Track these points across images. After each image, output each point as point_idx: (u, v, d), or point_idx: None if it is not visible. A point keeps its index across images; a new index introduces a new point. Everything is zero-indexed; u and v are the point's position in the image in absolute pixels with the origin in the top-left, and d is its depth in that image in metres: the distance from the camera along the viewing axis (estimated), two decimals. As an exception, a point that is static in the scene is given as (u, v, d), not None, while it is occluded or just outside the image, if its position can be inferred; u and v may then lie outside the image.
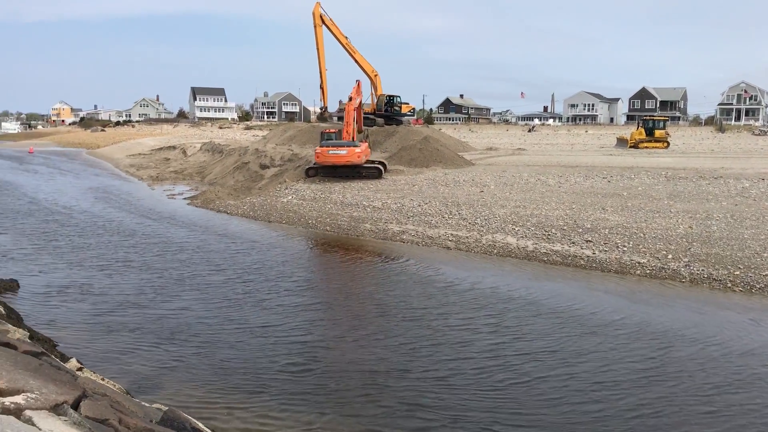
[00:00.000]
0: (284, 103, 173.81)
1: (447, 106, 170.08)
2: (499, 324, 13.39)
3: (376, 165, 34.09)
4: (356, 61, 45.40)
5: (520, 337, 12.58)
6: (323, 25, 40.18)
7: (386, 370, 10.89)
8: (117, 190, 37.62)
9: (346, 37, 44.55)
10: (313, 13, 39.16)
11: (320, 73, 40.10)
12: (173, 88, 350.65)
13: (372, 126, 49.09)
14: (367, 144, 35.15)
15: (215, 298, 15.21)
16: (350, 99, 36.81)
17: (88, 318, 13.55)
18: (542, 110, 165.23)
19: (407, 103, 53.97)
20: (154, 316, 13.77)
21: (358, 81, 38.71)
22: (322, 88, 38.88)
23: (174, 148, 64.16)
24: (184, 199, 33.83)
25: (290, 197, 30.05)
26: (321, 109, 38.39)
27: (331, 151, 32.45)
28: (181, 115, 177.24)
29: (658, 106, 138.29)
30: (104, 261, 18.84)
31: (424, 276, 17.47)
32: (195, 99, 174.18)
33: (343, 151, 32.50)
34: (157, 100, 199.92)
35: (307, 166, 34.51)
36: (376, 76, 48.87)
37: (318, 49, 38.96)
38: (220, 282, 16.59)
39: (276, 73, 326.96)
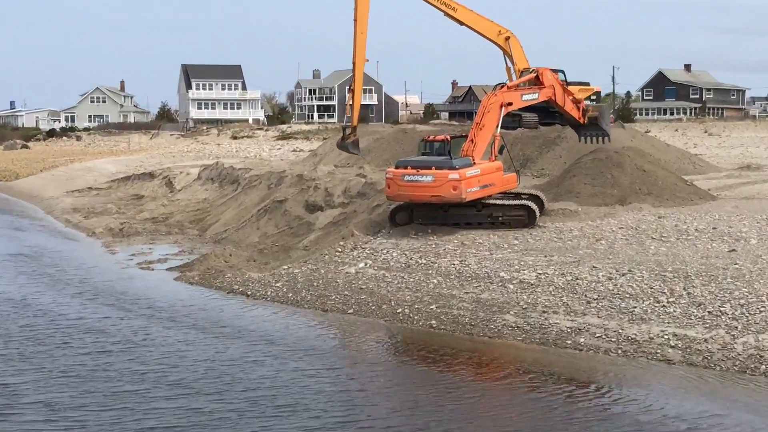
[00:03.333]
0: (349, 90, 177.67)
1: (659, 86, 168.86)
2: None
3: (522, 202, 33.88)
4: (461, 22, 45.99)
5: None
6: None
7: None
8: (51, 257, 39.04)
9: None
10: None
11: (353, 61, 40.36)
12: (150, 68, 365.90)
13: (514, 129, 48.86)
14: (497, 163, 34.97)
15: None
16: (501, 86, 37.00)
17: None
18: None
19: (584, 84, 53.45)
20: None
21: (537, 71, 38.83)
22: (352, 90, 38.98)
23: (151, 176, 66.15)
24: (170, 270, 34.61)
25: (362, 264, 30.24)
26: (345, 127, 38.47)
27: (408, 177, 32.54)
28: (165, 117, 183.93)
29: None
30: (31, 398, 19.39)
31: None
32: (189, 87, 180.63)
33: (426, 177, 32.57)
34: (122, 89, 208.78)
35: (395, 206, 34.65)
36: (507, 39, 48.91)
37: (356, 17, 39.49)
38: None
39: (332, 37, 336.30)
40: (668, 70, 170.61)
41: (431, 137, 35.93)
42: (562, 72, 53.16)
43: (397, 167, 33.16)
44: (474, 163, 33.25)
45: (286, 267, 31.69)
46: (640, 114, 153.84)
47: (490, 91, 37.32)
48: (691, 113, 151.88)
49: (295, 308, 27.27)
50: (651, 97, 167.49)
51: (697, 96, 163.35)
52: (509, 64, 50.77)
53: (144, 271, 34.97)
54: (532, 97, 38.22)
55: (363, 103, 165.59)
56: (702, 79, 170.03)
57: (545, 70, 40.07)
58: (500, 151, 36.01)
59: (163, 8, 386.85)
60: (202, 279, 31.97)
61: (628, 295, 24.03)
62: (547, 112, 52.93)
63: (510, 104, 36.60)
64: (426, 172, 32.30)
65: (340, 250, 32.36)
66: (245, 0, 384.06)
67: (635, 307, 23.20)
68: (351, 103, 38.48)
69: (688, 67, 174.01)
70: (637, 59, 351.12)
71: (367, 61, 39.81)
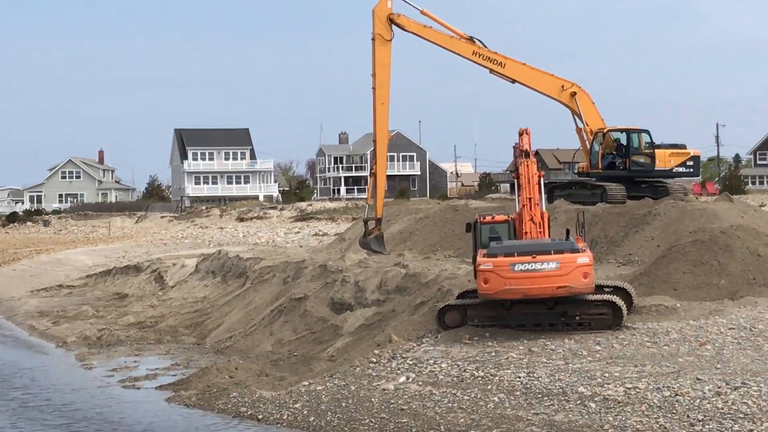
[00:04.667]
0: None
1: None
2: None
3: (605, 298, 33.80)
4: (512, 80, 47.65)
5: None
6: (392, 32, 43.61)
7: None
8: (15, 376, 39.26)
9: (473, 39, 47.72)
10: (374, 13, 43.01)
11: (374, 138, 42.34)
12: (136, 134, 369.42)
13: (593, 204, 48.98)
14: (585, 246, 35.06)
15: None
16: (523, 153, 37.25)
17: None
18: None
19: (679, 146, 53.77)
20: None
21: (525, 131, 39.10)
22: (373, 173, 40.69)
23: (137, 269, 66.48)
24: (160, 389, 34.66)
25: (402, 378, 30.20)
26: (366, 220, 40.23)
27: (520, 266, 32.45)
28: (154, 195, 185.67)
29: None
30: None
31: None
32: (184, 156, 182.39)
33: (549, 264, 32.67)
34: (101, 161, 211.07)
35: (443, 304, 34.67)
36: (574, 95, 50.02)
37: (375, 84, 41.41)
38: None
39: (362, 93, 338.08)
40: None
41: (486, 218, 35.80)
42: (647, 132, 53.63)
43: (493, 255, 32.76)
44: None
45: (306, 383, 31.62)
46: (753, 183, 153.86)
47: (520, 159, 37.13)
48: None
49: (318, 436, 27.19)
50: (766, 162, 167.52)
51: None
52: (579, 125, 51.45)
53: (128, 391, 35.02)
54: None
55: (404, 173, 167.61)
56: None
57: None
58: (581, 232, 36.11)
59: (151, 60, 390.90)
60: (200, 399, 31.92)
61: (742, 416, 23.79)
62: (634, 183, 53.29)
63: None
64: (546, 258, 32.34)
65: (374, 360, 32.35)
66: (252, 47, 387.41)
67: (752, 431, 22.95)
68: (373, 189, 39.09)
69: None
70: (747, 114, 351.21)
71: (391, 136, 41.12)
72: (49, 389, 35.85)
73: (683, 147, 53.83)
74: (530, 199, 35.13)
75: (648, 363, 28.61)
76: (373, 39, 44.06)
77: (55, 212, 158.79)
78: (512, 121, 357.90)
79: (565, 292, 32.51)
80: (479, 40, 47.49)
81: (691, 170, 54.59)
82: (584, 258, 32.45)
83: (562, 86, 48.60)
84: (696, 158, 54.96)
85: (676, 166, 52.88)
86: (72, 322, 51.70)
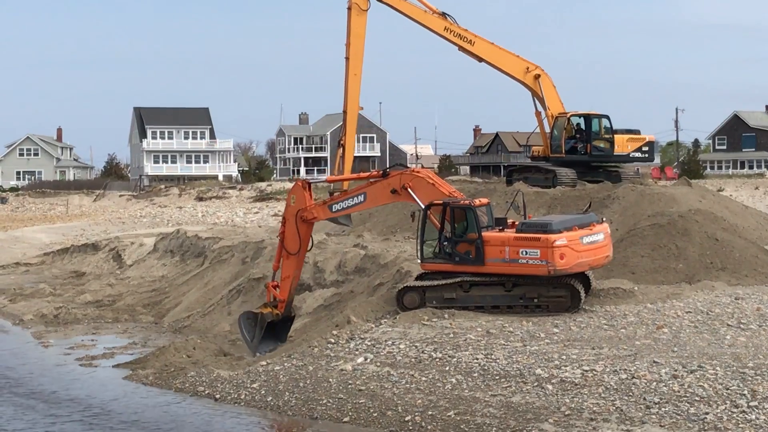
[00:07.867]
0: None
1: (735, 133, 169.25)
2: None
3: (563, 280, 33.86)
4: (480, 58, 48.38)
5: None
6: (369, 2, 44.72)
7: None
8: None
9: (446, 15, 48.41)
10: None
11: (345, 108, 42.78)
12: (95, 112, 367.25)
13: (547, 187, 49.12)
14: None
15: None
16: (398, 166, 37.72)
17: None
18: None
19: (633, 132, 54.10)
20: None
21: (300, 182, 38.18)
22: (342, 144, 41.16)
23: (95, 247, 66.14)
24: (117, 367, 34.60)
25: (360, 359, 30.14)
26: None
27: (587, 239, 33.20)
28: (113, 173, 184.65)
29: None
30: None
31: None
32: (143, 135, 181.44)
33: (600, 236, 33.88)
34: (59, 139, 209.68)
35: (402, 285, 34.65)
36: (537, 77, 50.50)
37: (348, 54, 41.95)
38: None
39: (323, 73, 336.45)
40: (746, 112, 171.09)
41: (476, 201, 35.22)
42: (607, 118, 54.05)
43: (557, 231, 32.71)
44: None
45: (264, 363, 31.56)
46: (712, 167, 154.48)
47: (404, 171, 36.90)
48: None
49: (276, 415, 27.15)
50: (724, 147, 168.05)
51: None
52: (539, 108, 51.87)
53: (85, 369, 34.88)
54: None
55: (363, 154, 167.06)
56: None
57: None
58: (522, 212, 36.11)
59: (111, 38, 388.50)
60: (158, 378, 31.86)
61: (698, 398, 23.92)
62: (591, 167, 53.59)
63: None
64: (597, 229, 33.97)
65: (333, 341, 32.20)
66: (212, 27, 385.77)
67: (707, 414, 23.04)
68: (341, 161, 39.32)
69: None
70: (706, 99, 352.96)
71: (361, 108, 41.34)
72: (5, 367, 35.66)
73: (638, 132, 54.29)
74: (452, 192, 35.19)
75: (605, 346, 28.69)
76: (349, 8, 44.62)
77: (13, 189, 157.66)
78: (473, 105, 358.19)
79: (606, 261, 34.45)
80: (451, 17, 48.05)
81: (646, 155, 55.11)
82: (608, 228, 34.51)
83: (527, 68, 49.05)
84: (651, 143, 55.50)
85: (633, 151, 53.38)
86: (29, 299, 51.41)
